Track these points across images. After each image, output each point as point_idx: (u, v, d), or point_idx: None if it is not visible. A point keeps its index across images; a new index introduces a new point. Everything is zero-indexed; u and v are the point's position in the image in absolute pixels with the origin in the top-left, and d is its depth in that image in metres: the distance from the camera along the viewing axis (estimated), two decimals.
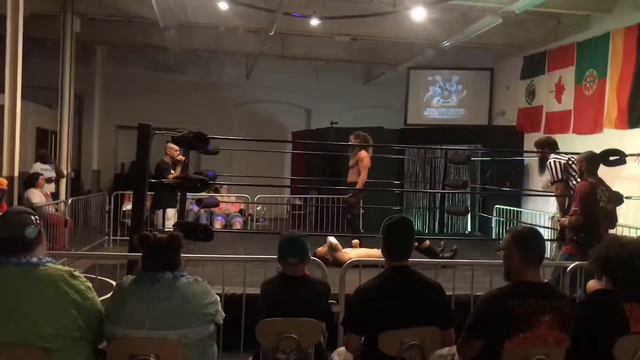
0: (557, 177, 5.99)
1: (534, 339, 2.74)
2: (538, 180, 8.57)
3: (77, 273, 2.71)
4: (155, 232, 2.94)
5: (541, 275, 2.98)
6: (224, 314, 2.88)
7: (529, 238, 2.94)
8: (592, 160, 5.42)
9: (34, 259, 2.64)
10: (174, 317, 2.68)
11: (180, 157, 8.32)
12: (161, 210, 8.61)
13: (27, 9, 8.03)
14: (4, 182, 7.46)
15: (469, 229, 11.85)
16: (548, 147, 6.38)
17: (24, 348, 2.49)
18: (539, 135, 9.19)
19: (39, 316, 2.53)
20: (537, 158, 6.56)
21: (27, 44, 8.01)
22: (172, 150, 8.46)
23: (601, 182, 5.38)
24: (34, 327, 2.51)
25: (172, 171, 8.34)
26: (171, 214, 8.62)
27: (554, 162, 6.04)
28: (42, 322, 2.52)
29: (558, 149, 6.42)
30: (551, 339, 2.76)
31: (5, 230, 2.65)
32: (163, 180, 7.42)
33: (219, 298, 2.90)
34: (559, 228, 6.27)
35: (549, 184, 6.45)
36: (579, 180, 5.55)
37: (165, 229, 7.46)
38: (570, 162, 5.95)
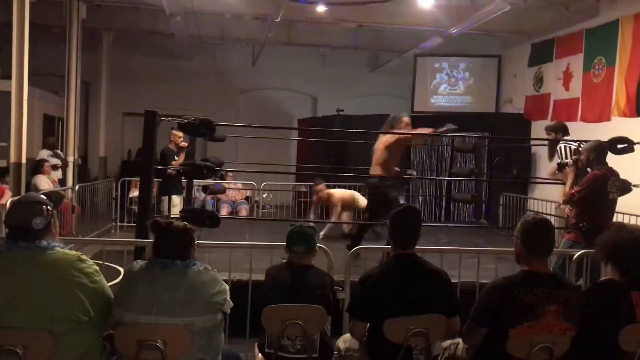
0: (567, 162, 5.95)
1: (539, 328, 2.75)
2: (545, 168, 8.53)
3: (84, 257, 2.74)
4: (169, 220, 2.96)
5: (549, 264, 2.98)
6: (231, 303, 2.89)
7: (535, 230, 2.93)
8: (600, 150, 5.36)
9: (43, 243, 2.67)
10: (182, 304, 2.70)
11: (184, 144, 8.33)
12: (167, 197, 8.63)
13: None
14: None
15: (475, 217, 11.83)
16: (561, 131, 6.34)
17: (32, 331, 2.52)
18: (547, 123, 9.13)
19: (47, 300, 2.56)
20: (547, 143, 6.52)
21: (34, 31, 7.99)
22: (176, 138, 8.47)
23: (612, 172, 5.32)
24: (42, 311, 2.54)
25: (176, 158, 8.35)
26: (177, 201, 8.63)
27: (565, 147, 6.01)
28: (50, 306, 2.55)
29: (569, 134, 6.38)
30: (556, 329, 2.77)
31: (14, 218, 2.71)
32: (168, 167, 7.44)
33: (227, 287, 2.91)
34: (566, 216, 6.25)
35: (555, 172, 6.41)
36: (588, 170, 5.51)
37: (172, 216, 7.49)
38: (580, 149, 5.90)
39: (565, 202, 5.50)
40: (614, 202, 5.35)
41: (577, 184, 5.34)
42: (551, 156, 6.61)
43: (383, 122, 7.66)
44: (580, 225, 5.18)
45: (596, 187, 5.17)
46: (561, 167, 6.00)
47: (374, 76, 15.22)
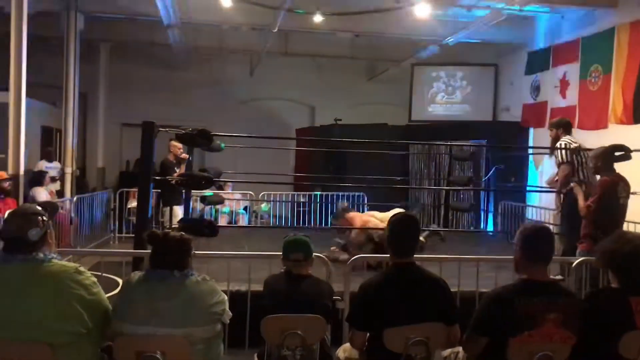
0: (564, 159, 5.94)
1: (539, 337, 2.73)
2: (544, 175, 8.53)
3: (82, 269, 2.72)
4: (166, 230, 2.95)
5: (548, 272, 2.97)
6: (230, 313, 2.88)
7: (533, 237, 2.93)
8: (608, 156, 5.32)
9: (40, 255, 2.65)
10: (181, 315, 2.69)
11: (184, 155, 8.31)
12: (168, 208, 8.60)
13: (32, 7, 8.05)
14: (3, 174, 7.44)
15: (474, 226, 11.82)
16: (563, 127, 6.33)
17: (30, 344, 2.50)
18: (544, 130, 9.15)
19: (45, 312, 2.54)
20: (550, 137, 6.49)
21: (32, 42, 8.02)
22: (175, 148, 8.45)
23: (621, 177, 5.30)
24: (40, 323, 2.52)
25: (176, 169, 8.32)
26: (179, 211, 8.60)
27: (564, 144, 6.01)
28: (48, 318, 2.54)
29: (571, 133, 6.38)
30: (557, 337, 2.76)
31: (10, 230, 2.69)
32: (168, 178, 7.42)
33: (226, 297, 2.90)
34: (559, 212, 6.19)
35: (554, 180, 6.39)
36: (594, 175, 5.47)
37: (173, 226, 7.47)
38: (579, 149, 5.91)
39: (584, 217, 5.38)
40: (625, 207, 5.33)
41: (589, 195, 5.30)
42: (551, 153, 6.58)
43: (381, 131, 7.72)
44: (596, 234, 5.07)
45: (607, 195, 5.15)
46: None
47: (371, 85, 15.26)
